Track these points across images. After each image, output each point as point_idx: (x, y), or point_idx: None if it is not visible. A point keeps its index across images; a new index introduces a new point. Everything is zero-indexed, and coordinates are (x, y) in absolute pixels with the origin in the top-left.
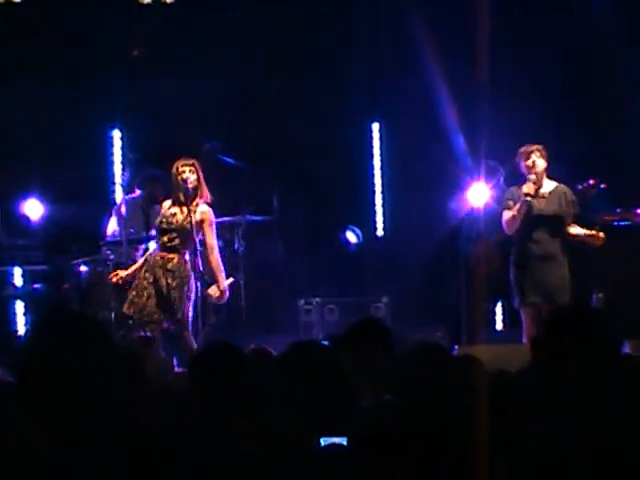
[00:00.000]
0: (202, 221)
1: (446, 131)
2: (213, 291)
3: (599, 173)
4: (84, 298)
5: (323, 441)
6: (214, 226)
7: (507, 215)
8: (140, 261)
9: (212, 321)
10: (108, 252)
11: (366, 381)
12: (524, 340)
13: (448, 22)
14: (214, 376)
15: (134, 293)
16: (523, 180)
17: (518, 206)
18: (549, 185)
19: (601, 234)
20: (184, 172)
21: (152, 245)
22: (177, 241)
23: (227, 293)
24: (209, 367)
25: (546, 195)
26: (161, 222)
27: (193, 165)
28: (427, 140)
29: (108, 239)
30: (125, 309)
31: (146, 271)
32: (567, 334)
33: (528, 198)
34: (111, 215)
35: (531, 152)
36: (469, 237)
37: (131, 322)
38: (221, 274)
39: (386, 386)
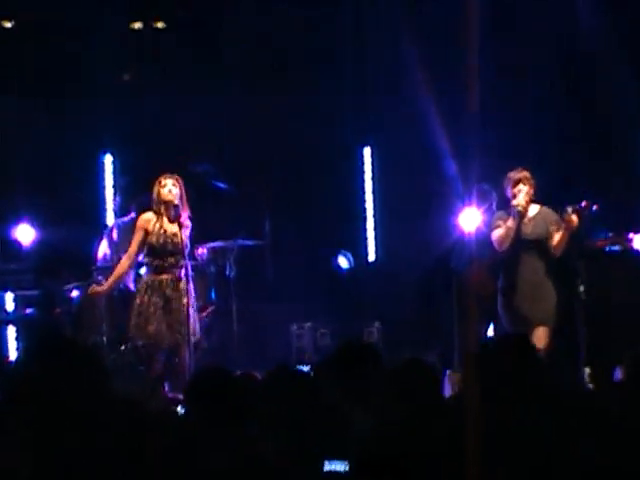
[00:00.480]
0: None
1: (438, 155)
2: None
3: (591, 194)
4: (75, 323)
5: (326, 464)
6: None
7: (498, 232)
8: (109, 281)
9: (204, 345)
10: (99, 277)
11: (357, 405)
12: None
13: (440, 45)
14: (208, 400)
15: (141, 320)
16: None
17: (510, 220)
18: (533, 209)
19: (573, 217)
20: (166, 185)
21: (144, 270)
22: (182, 261)
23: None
24: (204, 392)
25: (530, 220)
26: (165, 242)
27: (177, 179)
28: (419, 164)
29: (99, 263)
30: (132, 334)
31: (152, 295)
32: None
33: (520, 208)
34: (102, 239)
35: (518, 180)
36: (462, 260)
37: (123, 348)
38: None
39: (378, 410)
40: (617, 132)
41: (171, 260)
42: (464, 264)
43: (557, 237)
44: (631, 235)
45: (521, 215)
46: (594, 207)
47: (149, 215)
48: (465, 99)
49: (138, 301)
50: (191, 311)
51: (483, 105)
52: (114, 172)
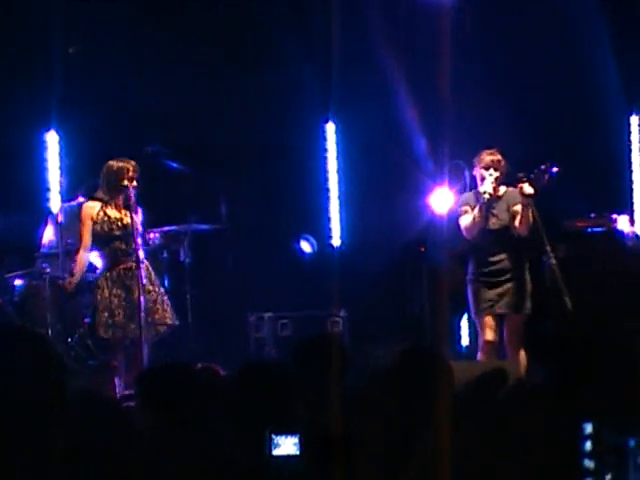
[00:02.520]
0: (141, 224)
1: (406, 132)
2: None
3: (573, 175)
4: (19, 314)
5: (275, 438)
6: None
7: (466, 220)
8: (75, 274)
9: (155, 338)
10: (44, 265)
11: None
12: (479, 355)
13: (408, 17)
14: (161, 396)
15: (105, 314)
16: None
17: (477, 208)
18: (500, 191)
19: (524, 186)
20: (134, 179)
21: (94, 257)
22: (132, 245)
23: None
24: (156, 387)
25: (495, 207)
26: (111, 229)
27: (137, 170)
28: (386, 142)
29: (44, 250)
30: (102, 333)
31: (111, 288)
32: None
33: (486, 196)
34: (47, 225)
35: (490, 164)
36: (435, 247)
37: (70, 340)
38: None
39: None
40: (600, 107)
41: (121, 246)
42: (438, 251)
43: (517, 209)
44: (615, 216)
45: (488, 204)
46: (553, 170)
47: (92, 204)
48: (436, 71)
49: (99, 297)
50: (160, 298)
51: (455, 75)
52: (60, 152)
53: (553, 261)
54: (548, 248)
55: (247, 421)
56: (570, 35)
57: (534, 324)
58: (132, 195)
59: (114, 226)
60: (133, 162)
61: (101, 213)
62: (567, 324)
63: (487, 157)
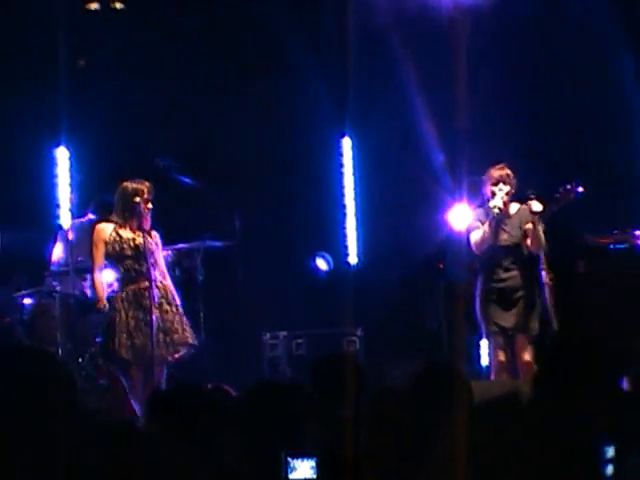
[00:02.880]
0: (157, 245)
1: (424, 146)
2: None
3: (595, 190)
4: (28, 333)
5: (291, 462)
6: None
7: (476, 235)
8: (98, 295)
9: (176, 357)
10: (54, 283)
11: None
12: (492, 375)
13: (424, 29)
14: (171, 418)
15: (124, 335)
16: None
17: (487, 223)
18: (512, 209)
19: (532, 203)
20: (149, 201)
21: (106, 275)
22: (145, 266)
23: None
24: (166, 408)
25: (507, 224)
26: (122, 249)
27: (152, 194)
28: (403, 156)
29: (53, 268)
30: (124, 355)
31: (128, 310)
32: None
33: (496, 210)
34: (56, 242)
35: (499, 179)
36: (455, 264)
37: (81, 360)
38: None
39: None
40: (624, 120)
41: (134, 266)
42: (456, 267)
43: (528, 227)
44: (638, 232)
45: (497, 219)
46: (579, 189)
47: (104, 225)
48: (455, 85)
49: (117, 318)
50: (177, 318)
51: (474, 89)
52: (70, 168)
53: (548, 281)
54: (544, 267)
55: (261, 443)
56: (592, 50)
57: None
58: (147, 217)
59: (125, 245)
60: (148, 183)
61: (113, 234)
62: (552, 346)
63: (496, 172)
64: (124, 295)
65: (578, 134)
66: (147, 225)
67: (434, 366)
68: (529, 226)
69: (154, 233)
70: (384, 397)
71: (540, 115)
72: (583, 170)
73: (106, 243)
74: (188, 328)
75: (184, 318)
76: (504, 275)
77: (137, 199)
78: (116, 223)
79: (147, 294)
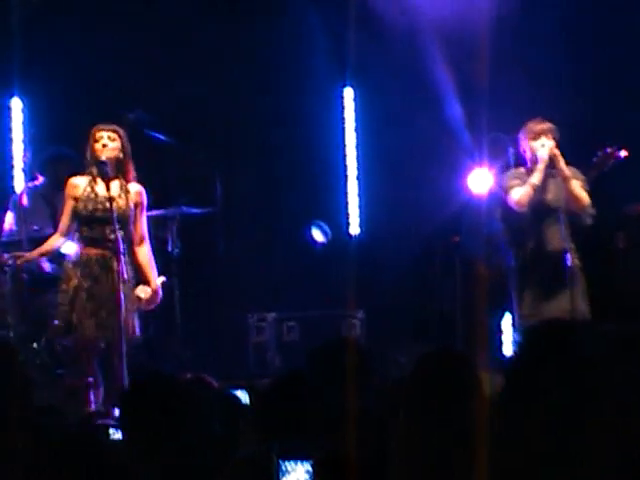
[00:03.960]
0: (136, 205)
1: (438, 98)
2: (143, 292)
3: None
4: None
5: (283, 465)
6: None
7: (522, 190)
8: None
9: (138, 341)
10: (5, 255)
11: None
12: None
13: None
14: (145, 415)
15: (64, 309)
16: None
17: (539, 172)
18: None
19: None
20: (102, 138)
21: (67, 246)
22: (119, 233)
23: (160, 295)
24: (140, 404)
25: (551, 183)
26: (95, 209)
27: (115, 131)
28: (414, 110)
29: (4, 238)
30: (55, 329)
31: (79, 277)
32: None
33: (550, 154)
34: (8, 208)
35: (540, 132)
36: (472, 235)
37: (36, 345)
38: (153, 270)
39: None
40: None
41: (100, 231)
42: (475, 240)
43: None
44: None
45: (553, 164)
46: (620, 154)
47: (78, 179)
48: (473, 26)
49: (63, 286)
50: (127, 302)
51: (496, 30)
52: (24, 121)
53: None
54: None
55: (248, 444)
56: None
57: None
58: (111, 167)
59: (98, 206)
60: (114, 127)
61: (88, 189)
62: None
63: (536, 126)
64: (76, 259)
65: (616, 88)
66: (128, 177)
67: (436, 353)
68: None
69: (137, 188)
70: (392, 389)
71: (575, 63)
72: (620, 134)
73: (77, 200)
74: (135, 318)
75: (135, 307)
76: (546, 247)
77: (99, 145)
78: (90, 175)
79: (103, 262)
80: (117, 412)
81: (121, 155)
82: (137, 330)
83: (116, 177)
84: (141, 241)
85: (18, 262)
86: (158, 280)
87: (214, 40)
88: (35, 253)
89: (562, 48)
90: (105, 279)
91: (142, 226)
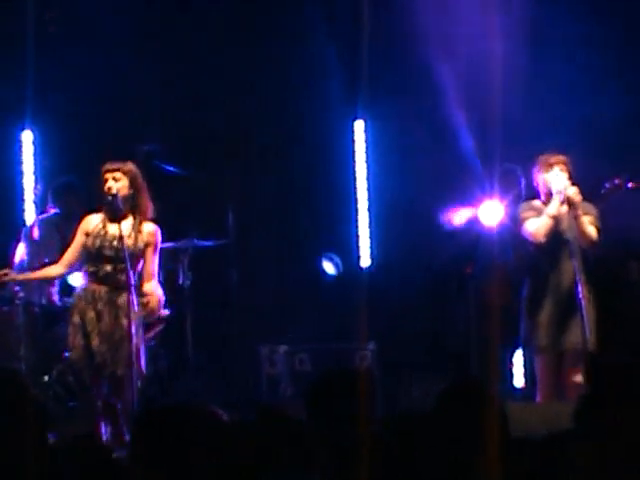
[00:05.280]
0: (147, 245)
1: (450, 129)
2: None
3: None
4: None
5: None
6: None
7: (538, 221)
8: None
9: (149, 373)
10: (16, 288)
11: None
12: (537, 397)
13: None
14: (160, 448)
15: (77, 341)
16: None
17: (557, 203)
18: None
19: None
20: (107, 180)
21: (76, 278)
22: (124, 270)
23: (161, 302)
24: (154, 435)
25: (564, 214)
26: (102, 246)
27: (119, 170)
28: (426, 142)
29: (16, 270)
30: (72, 362)
31: (86, 310)
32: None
33: (570, 192)
34: (19, 240)
35: (554, 163)
36: (484, 265)
37: (47, 378)
38: (155, 293)
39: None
40: None
41: (108, 268)
42: (488, 271)
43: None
44: None
45: (571, 202)
46: (629, 185)
47: (93, 216)
48: (485, 57)
49: (74, 319)
50: (135, 339)
51: (509, 62)
52: (35, 154)
53: (586, 294)
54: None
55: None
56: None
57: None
58: (121, 205)
59: (106, 243)
60: (119, 165)
61: (99, 226)
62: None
63: (549, 158)
64: (82, 293)
65: (629, 117)
66: (143, 215)
67: (459, 385)
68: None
69: (149, 229)
70: (401, 423)
71: (587, 94)
72: (633, 166)
73: (87, 235)
74: (142, 355)
75: (142, 344)
76: (559, 278)
77: (105, 187)
78: (104, 214)
79: (107, 298)
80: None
81: (131, 191)
82: (142, 366)
83: (130, 214)
84: (148, 279)
85: (5, 279)
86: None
87: (227, 73)
88: (25, 276)
89: (576, 80)
90: (109, 315)
91: (151, 265)
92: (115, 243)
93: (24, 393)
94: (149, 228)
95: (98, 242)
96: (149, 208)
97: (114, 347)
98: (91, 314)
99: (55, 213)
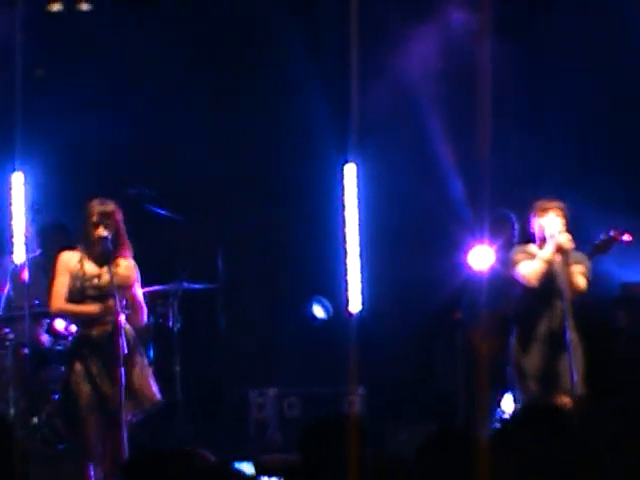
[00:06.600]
0: (128, 279)
1: (440, 174)
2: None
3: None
4: None
5: None
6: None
7: (531, 266)
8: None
9: (137, 417)
10: (5, 329)
11: None
12: None
13: (439, 41)
14: None
15: (86, 386)
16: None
17: (551, 247)
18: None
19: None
20: (99, 228)
21: (59, 323)
22: (113, 308)
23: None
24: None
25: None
26: (83, 287)
27: (111, 215)
28: (415, 186)
29: (2, 312)
30: (83, 404)
31: (88, 356)
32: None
33: (563, 239)
34: (7, 281)
35: (549, 208)
36: (473, 311)
37: (37, 420)
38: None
39: None
40: None
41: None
42: (476, 317)
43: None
44: None
45: (562, 250)
46: (625, 238)
47: (69, 253)
48: (475, 107)
49: (77, 367)
50: (142, 370)
51: (497, 113)
52: (26, 196)
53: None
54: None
55: None
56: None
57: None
58: (109, 246)
59: (87, 284)
60: (103, 204)
61: (78, 266)
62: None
63: (545, 203)
64: (81, 339)
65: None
66: (122, 253)
67: (445, 431)
68: (577, 268)
69: (126, 263)
70: (388, 468)
71: (575, 138)
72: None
73: (74, 274)
74: (153, 382)
75: (149, 370)
76: (548, 323)
77: (93, 231)
78: (82, 252)
79: (108, 339)
80: None
81: (113, 231)
82: (157, 395)
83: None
84: (138, 310)
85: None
86: None
87: (214, 117)
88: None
89: (572, 121)
90: (99, 357)
91: (137, 297)
92: (95, 282)
93: (9, 437)
94: (126, 262)
95: (79, 283)
96: (129, 246)
97: (107, 388)
98: (93, 358)
99: (40, 253)
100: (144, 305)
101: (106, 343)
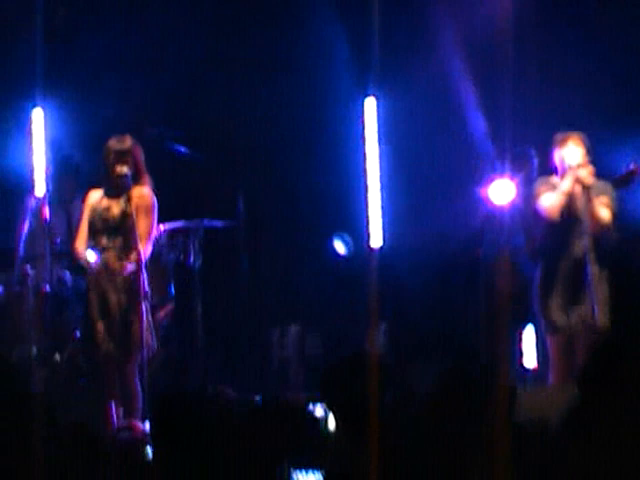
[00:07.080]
0: (137, 208)
1: (461, 109)
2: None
3: None
4: None
5: (294, 474)
6: (155, 214)
7: (551, 198)
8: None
9: (159, 356)
10: (26, 267)
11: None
12: (550, 378)
13: None
14: (173, 431)
15: (84, 323)
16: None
17: (570, 179)
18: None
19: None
20: (117, 166)
21: (91, 254)
22: (119, 242)
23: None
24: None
25: (580, 194)
26: (94, 219)
27: (128, 153)
28: (437, 121)
29: (24, 251)
30: (100, 344)
31: (92, 289)
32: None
33: (582, 172)
34: (29, 219)
35: (568, 139)
36: (493, 246)
37: (59, 359)
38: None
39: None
40: None
41: (101, 241)
42: (497, 252)
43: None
44: None
45: (582, 181)
46: None
47: (93, 193)
48: (498, 36)
49: (90, 296)
50: (131, 315)
51: (522, 41)
52: (46, 132)
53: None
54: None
55: (263, 453)
56: None
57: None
58: (129, 181)
59: (97, 215)
60: (117, 145)
61: (98, 199)
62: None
63: (564, 134)
64: (91, 272)
65: None
66: (139, 183)
67: (465, 364)
68: (602, 200)
69: (141, 191)
70: (406, 403)
71: (603, 72)
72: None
73: (91, 209)
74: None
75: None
76: (571, 259)
77: (112, 169)
78: (104, 188)
79: (109, 276)
80: (141, 426)
81: (133, 167)
82: (153, 344)
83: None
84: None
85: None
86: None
87: (234, 55)
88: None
89: (590, 58)
90: (114, 294)
91: (141, 229)
92: (104, 214)
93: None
94: (139, 192)
95: (93, 215)
96: (148, 180)
97: (120, 328)
98: (93, 294)
99: (57, 191)
100: (149, 240)
101: (103, 279)
